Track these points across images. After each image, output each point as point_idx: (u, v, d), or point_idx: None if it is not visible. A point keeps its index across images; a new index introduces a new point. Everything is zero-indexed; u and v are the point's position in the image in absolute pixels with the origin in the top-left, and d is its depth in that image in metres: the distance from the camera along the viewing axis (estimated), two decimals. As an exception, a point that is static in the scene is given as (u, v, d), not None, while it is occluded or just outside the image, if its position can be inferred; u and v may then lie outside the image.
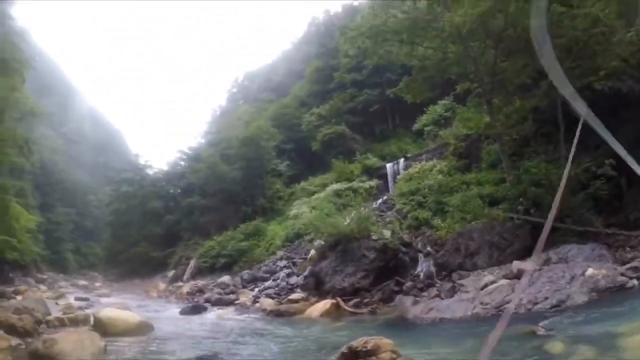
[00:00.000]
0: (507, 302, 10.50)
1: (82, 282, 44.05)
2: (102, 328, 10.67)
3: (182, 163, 52.63)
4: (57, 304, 17.90)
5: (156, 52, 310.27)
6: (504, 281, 12.39)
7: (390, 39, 18.75)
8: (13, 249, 26.13)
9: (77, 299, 22.06)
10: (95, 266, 71.76)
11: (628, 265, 10.84)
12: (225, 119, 61.26)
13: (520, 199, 15.34)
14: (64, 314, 13.23)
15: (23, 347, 8.80)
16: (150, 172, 56.87)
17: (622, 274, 10.13)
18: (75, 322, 12.13)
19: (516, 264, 13.10)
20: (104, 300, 22.96)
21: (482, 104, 19.23)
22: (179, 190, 51.32)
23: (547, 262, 12.58)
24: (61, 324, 11.81)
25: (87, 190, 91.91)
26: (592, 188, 14.05)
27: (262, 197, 37.88)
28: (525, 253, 14.28)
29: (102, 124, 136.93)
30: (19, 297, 17.75)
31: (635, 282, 9.70)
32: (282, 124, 42.25)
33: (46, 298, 19.01)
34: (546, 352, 6.52)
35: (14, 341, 8.99)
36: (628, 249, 12.70)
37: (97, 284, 42.22)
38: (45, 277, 45.12)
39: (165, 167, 57.71)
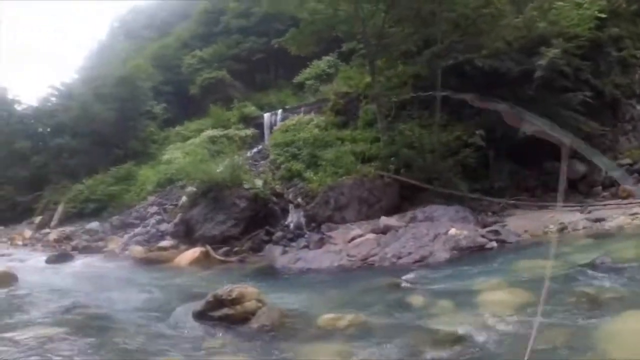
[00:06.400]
0: (373, 255, 10.97)
1: (-62, 234, 39.09)
2: (-42, 283, 9.62)
3: (54, 100, 47.70)
4: None
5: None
6: (371, 235, 12.82)
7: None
8: None
9: None
10: (-47, 214, 64.29)
11: (489, 228, 11.88)
12: (104, 55, 56.78)
13: (392, 159, 15.90)
14: None
15: None
16: (18, 108, 50.89)
17: (483, 236, 11.03)
18: None
19: (383, 220, 13.64)
20: (-38, 252, 20.69)
21: (365, 64, 19.41)
22: (49, 130, 46.66)
23: (413, 219, 13.28)
24: None
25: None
26: (462, 155, 15.03)
27: (135, 139, 35.64)
28: (392, 210, 14.92)
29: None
30: None
31: (494, 244, 10.62)
32: (162, 64, 39.66)
33: None
34: (408, 304, 6.80)
35: None
36: (490, 213, 14.12)
37: (-45, 235, 37.60)
38: None
39: (35, 104, 52.30)
